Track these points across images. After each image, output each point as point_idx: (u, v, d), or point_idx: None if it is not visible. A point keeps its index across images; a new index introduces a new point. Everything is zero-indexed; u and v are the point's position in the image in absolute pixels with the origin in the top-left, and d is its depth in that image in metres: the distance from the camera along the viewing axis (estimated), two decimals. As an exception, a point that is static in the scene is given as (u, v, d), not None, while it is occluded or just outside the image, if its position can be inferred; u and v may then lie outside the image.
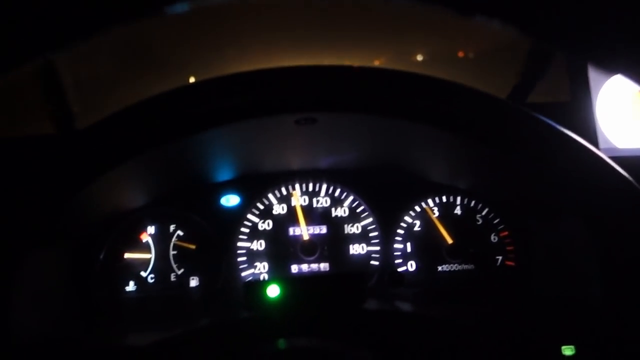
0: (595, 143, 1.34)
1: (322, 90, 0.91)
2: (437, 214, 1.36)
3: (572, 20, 0.46)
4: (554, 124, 0.92)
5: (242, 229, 1.35)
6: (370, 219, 1.36)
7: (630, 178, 0.90)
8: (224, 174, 1.33)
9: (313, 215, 1.36)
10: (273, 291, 0.92)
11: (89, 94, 1.45)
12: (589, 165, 0.91)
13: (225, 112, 0.92)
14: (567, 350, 0.98)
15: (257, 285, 0.94)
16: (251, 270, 1.33)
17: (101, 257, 1.28)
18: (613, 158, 0.93)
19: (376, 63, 1.58)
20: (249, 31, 1.32)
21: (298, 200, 1.36)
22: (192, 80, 1.44)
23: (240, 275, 1.32)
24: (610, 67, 0.52)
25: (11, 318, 0.87)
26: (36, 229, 0.94)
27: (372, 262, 1.35)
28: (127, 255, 1.31)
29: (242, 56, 1.32)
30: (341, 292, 0.96)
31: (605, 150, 1.32)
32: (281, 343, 0.80)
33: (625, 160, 0.94)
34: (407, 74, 0.91)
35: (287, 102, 0.93)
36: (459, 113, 0.93)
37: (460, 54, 1.52)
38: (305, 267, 1.33)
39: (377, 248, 1.35)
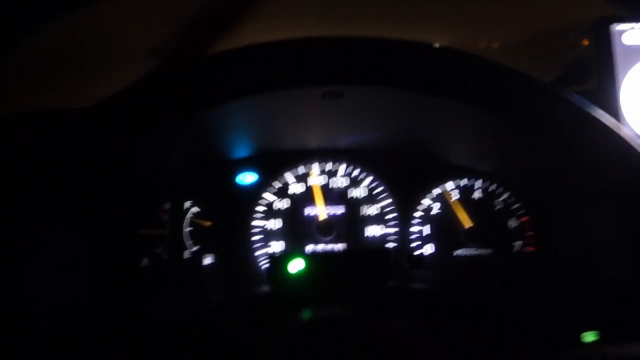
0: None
1: (353, 61, 0.89)
2: (456, 197, 1.34)
3: None
4: (583, 103, 0.90)
5: (258, 208, 1.33)
6: (388, 201, 1.34)
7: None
8: (242, 151, 1.31)
9: (330, 195, 1.34)
10: (297, 266, 0.91)
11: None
12: (620, 150, 0.90)
13: (253, 82, 0.91)
14: (590, 336, 0.96)
15: (282, 259, 0.92)
16: (266, 249, 1.31)
17: (116, 231, 1.27)
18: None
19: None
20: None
21: (316, 179, 1.34)
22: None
23: (255, 254, 1.31)
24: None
25: (29, 289, 0.86)
26: (58, 205, 0.93)
27: (389, 244, 1.33)
28: (141, 231, 1.30)
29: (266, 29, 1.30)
30: (365, 269, 0.95)
31: (629, 139, 1.31)
32: (306, 314, 0.78)
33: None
34: (440, 48, 0.90)
35: (317, 73, 0.91)
36: (490, 89, 0.92)
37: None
38: (321, 247, 1.31)
39: (395, 230, 1.34)
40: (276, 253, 1.30)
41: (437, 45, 0.90)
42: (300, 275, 0.91)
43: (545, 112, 0.91)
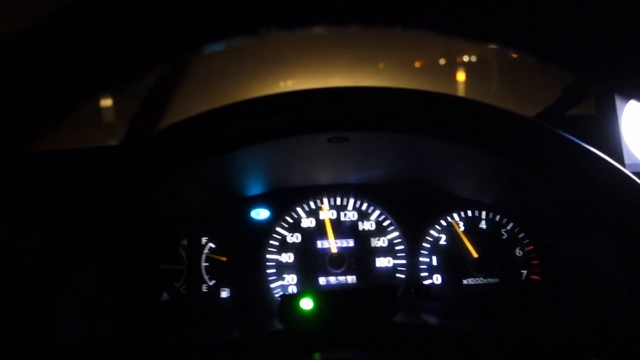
0: (620, 158, 1.36)
1: (356, 110, 0.95)
2: (462, 228, 1.38)
3: (599, 50, 0.48)
4: (579, 142, 0.94)
5: (272, 242, 1.38)
6: (397, 233, 1.39)
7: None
8: (255, 189, 1.37)
9: (341, 228, 1.39)
10: (306, 304, 0.96)
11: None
12: (615, 183, 0.94)
13: (262, 131, 0.97)
14: (593, 365, 0.99)
15: (292, 298, 0.97)
16: (280, 282, 1.36)
17: (138, 267, 1.33)
18: (638, 174, 0.95)
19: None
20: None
21: (326, 214, 1.40)
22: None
23: (269, 287, 1.36)
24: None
25: (58, 324, 0.92)
26: (84, 242, 0.99)
27: (398, 275, 1.37)
28: (161, 267, 1.36)
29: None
30: (373, 305, 0.99)
31: (630, 166, 1.34)
32: (317, 356, 0.83)
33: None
34: (437, 95, 0.95)
35: (322, 122, 0.97)
36: (488, 132, 0.96)
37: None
38: (332, 279, 1.36)
39: (403, 261, 1.38)
40: (286, 292, 1.35)
41: (434, 92, 0.96)
42: (310, 313, 0.96)
43: (543, 151, 0.96)
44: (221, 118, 0.95)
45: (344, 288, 1.33)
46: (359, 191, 1.41)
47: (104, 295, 1.20)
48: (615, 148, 1.36)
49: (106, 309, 1.20)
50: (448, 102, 0.95)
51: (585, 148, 0.94)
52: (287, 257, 1.38)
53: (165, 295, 1.35)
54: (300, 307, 0.96)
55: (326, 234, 1.38)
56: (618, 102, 1.39)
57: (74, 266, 0.99)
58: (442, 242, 1.39)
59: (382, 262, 1.38)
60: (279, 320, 0.99)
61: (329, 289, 1.33)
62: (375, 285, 1.34)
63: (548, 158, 0.96)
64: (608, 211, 0.97)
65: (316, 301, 0.96)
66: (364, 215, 1.41)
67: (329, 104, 0.94)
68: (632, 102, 1.39)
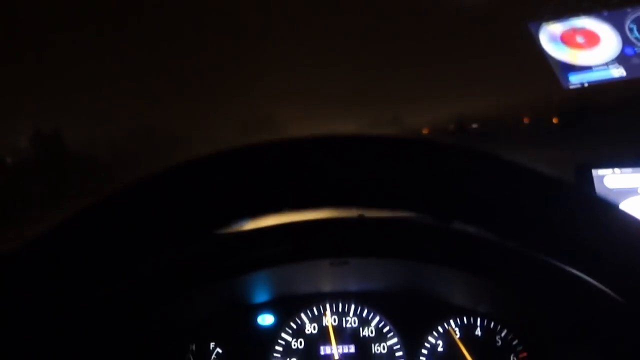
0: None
1: (357, 240, 1.04)
2: (458, 334, 1.44)
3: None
4: (565, 267, 1.01)
5: (276, 347, 1.44)
6: (395, 339, 1.45)
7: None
8: (261, 297, 1.44)
9: (343, 334, 1.45)
10: None
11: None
12: (599, 301, 1.00)
13: (265, 259, 1.06)
14: None
15: None
16: (284, 388, 1.41)
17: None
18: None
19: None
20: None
21: (329, 320, 1.46)
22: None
23: (274, 393, 1.40)
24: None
25: None
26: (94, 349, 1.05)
27: (399, 382, 1.42)
28: (170, 373, 1.41)
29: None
30: None
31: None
32: None
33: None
34: (433, 227, 1.04)
35: (324, 250, 1.06)
36: (479, 260, 1.05)
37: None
38: (335, 386, 1.41)
39: (403, 367, 1.43)
40: None
41: (430, 221, 1.05)
42: None
43: (530, 278, 1.03)
44: (223, 248, 1.04)
45: None
46: (360, 298, 1.47)
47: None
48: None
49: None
50: (441, 232, 1.04)
51: (567, 271, 1.01)
52: (291, 363, 1.43)
53: (173, 402, 1.40)
54: None
55: (329, 339, 1.44)
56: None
57: None
58: (440, 348, 1.44)
59: (383, 368, 1.43)
60: None
61: None
62: None
63: (534, 283, 1.04)
64: (595, 328, 1.03)
65: None
66: (364, 322, 1.47)
67: (330, 235, 1.03)
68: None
